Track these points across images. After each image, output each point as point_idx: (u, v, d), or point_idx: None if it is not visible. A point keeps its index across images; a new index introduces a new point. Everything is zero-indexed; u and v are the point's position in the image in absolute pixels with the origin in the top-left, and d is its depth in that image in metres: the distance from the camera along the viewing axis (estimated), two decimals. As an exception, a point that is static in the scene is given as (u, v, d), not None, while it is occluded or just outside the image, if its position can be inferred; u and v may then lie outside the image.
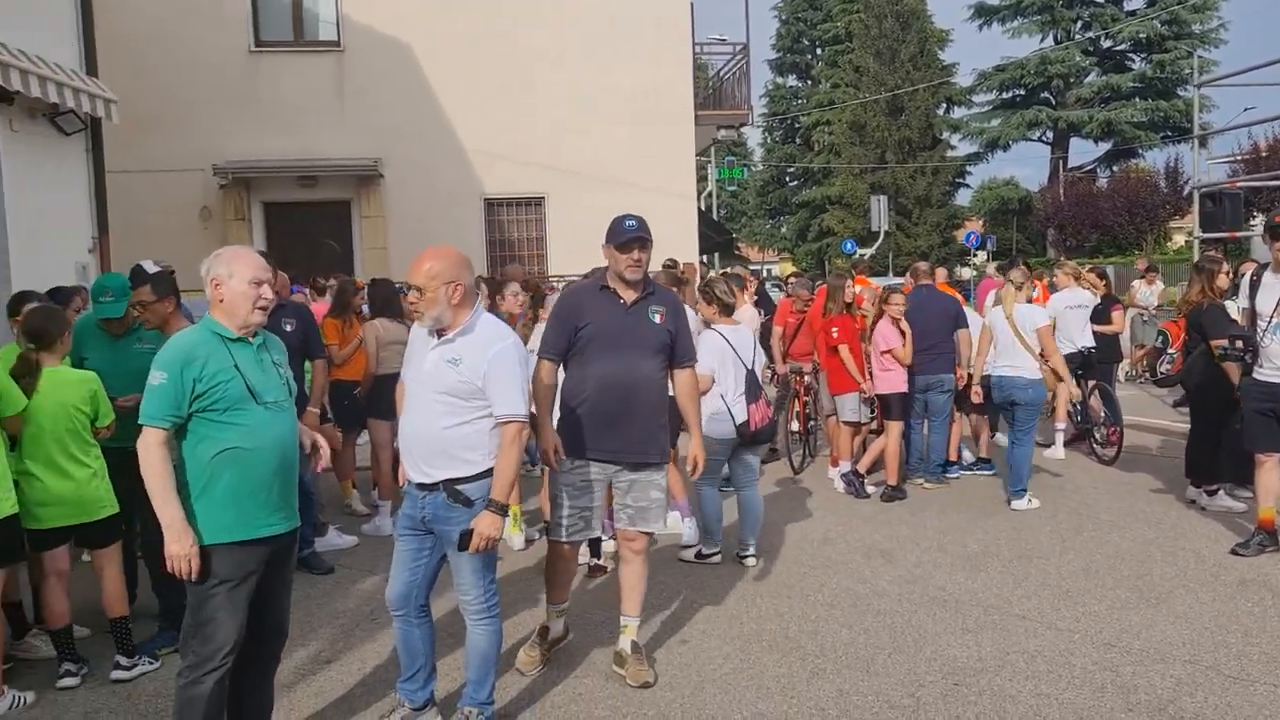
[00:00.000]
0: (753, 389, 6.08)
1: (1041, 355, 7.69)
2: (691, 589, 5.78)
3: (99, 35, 10.72)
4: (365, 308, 8.32)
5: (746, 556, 6.24)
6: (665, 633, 5.12)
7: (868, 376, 7.98)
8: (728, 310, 6.26)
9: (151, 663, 4.76)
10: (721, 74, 19.15)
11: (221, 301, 3.44)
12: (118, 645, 4.70)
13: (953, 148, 44.79)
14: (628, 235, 4.40)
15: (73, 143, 10.44)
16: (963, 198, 47.20)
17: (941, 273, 10.26)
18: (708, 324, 6.26)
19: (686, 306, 5.38)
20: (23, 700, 4.36)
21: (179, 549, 3.27)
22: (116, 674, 4.63)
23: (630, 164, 14.70)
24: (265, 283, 3.49)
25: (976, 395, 7.93)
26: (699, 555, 6.27)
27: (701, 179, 27.56)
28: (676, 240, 14.45)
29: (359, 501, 7.89)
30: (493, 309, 6.26)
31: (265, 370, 3.50)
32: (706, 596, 5.65)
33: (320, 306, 8.92)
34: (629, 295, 4.49)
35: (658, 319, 4.51)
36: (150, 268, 5.87)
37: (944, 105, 44.87)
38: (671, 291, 5.01)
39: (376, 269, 13.34)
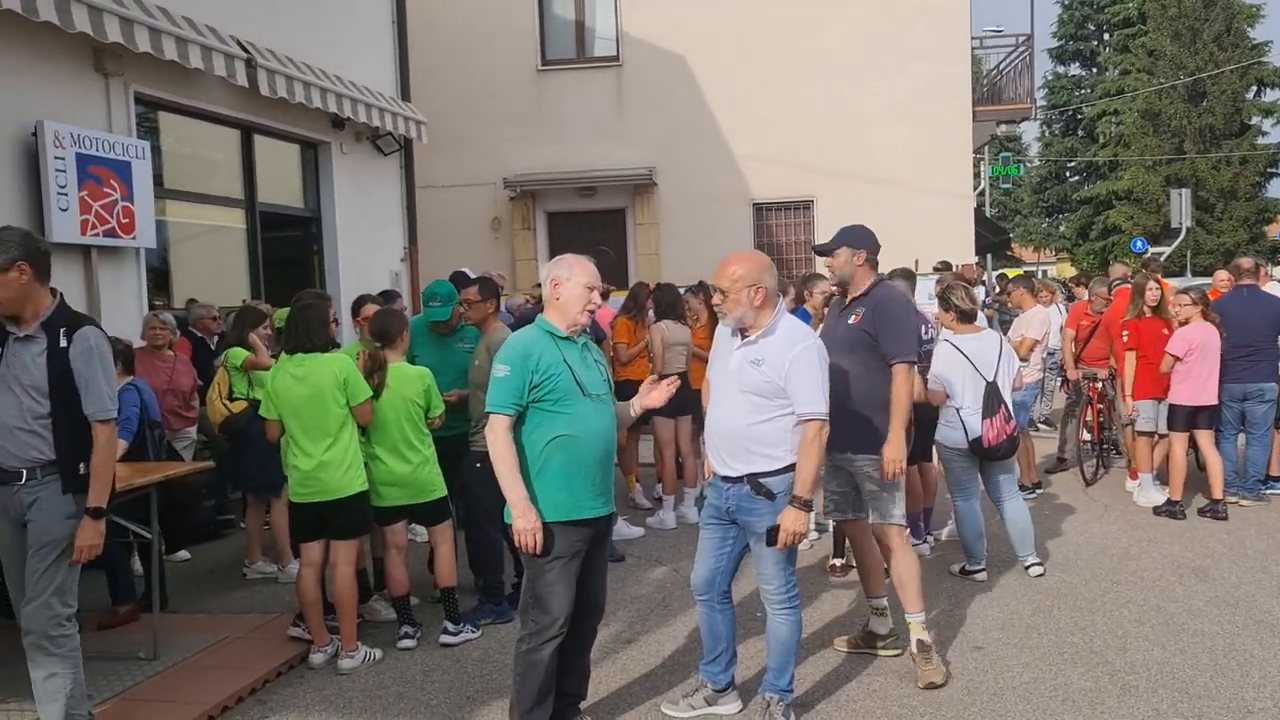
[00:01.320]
0: (991, 403, 5.78)
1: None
2: (981, 597, 5.64)
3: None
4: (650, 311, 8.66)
5: (1031, 566, 5.99)
6: (957, 638, 5.04)
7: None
8: (966, 318, 6.02)
9: (474, 631, 5.24)
10: (1001, 67, 18.35)
11: (558, 300, 3.76)
12: (446, 614, 5.22)
13: (1264, 134, 40.41)
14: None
15: (389, 162, 11.57)
16: (1275, 189, 42.51)
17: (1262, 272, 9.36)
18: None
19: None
20: (373, 656, 4.94)
21: (525, 524, 3.60)
22: (444, 639, 5.14)
23: (903, 164, 14.42)
24: (596, 289, 3.80)
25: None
26: (963, 571, 6.05)
27: (974, 175, 26.50)
28: (952, 241, 14.03)
29: (642, 495, 8.24)
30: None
31: (589, 366, 3.81)
32: (997, 606, 5.49)
33: (605, 311, 9.38)
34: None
35: (852, 319, 4.61)
36: (470, 275, 6.51)
37: (1254, 88, 40.60)
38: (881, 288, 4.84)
39: (648, 273, 13.86)
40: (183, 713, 4.28)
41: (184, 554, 6.99)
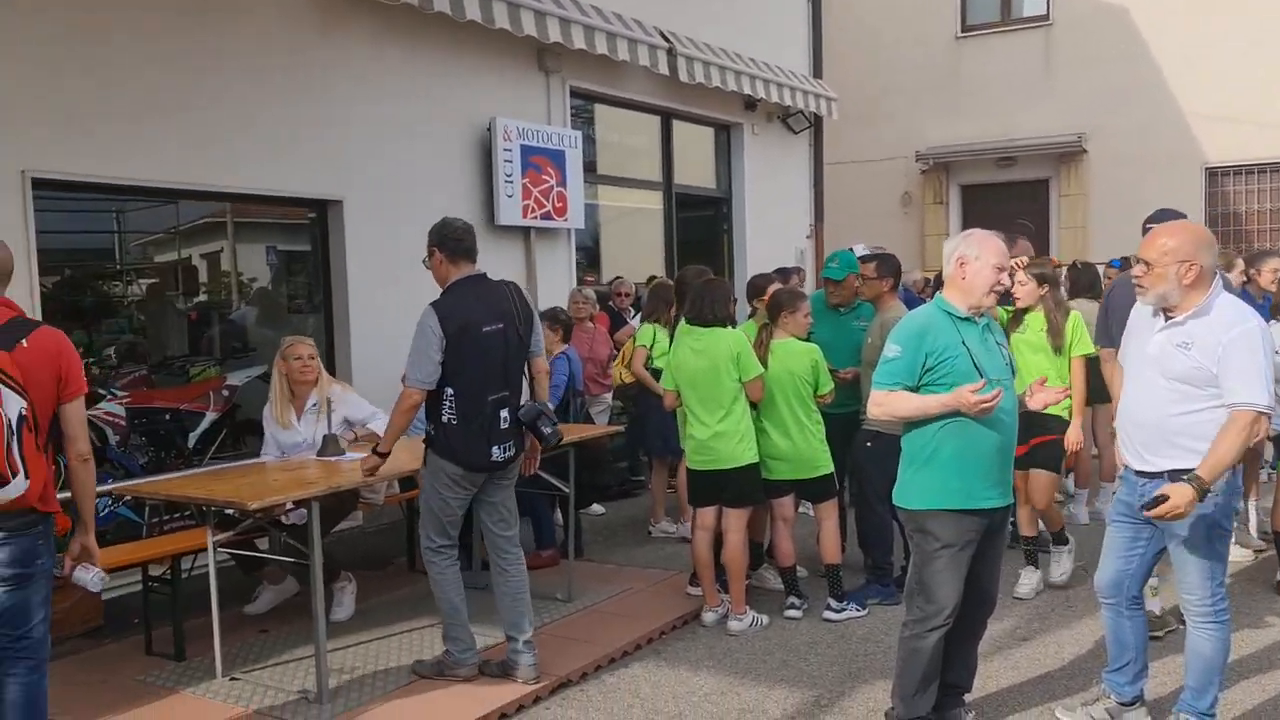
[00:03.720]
0: None
1: None
2: None
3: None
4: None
5: None
6: None
7: None
8: None
9: (859, 610, 5.21)
10: None
11: (963, 279, 3.59)
12: (830, 590, 5.24)
13: None
14: None
15: (799, 140, 11.69)
16: None
17: None
18: None
19: None
20: (760, 621, 5.10)
21: (967, 398, 3.40)
22: (827, 614, 5.16)
23: None
24: (1005, 270, 3.59)
25: None
26: None
27: None
28: None
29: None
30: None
31: (990, 349, 3.60)
32: None
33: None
34: None
35: None
36: (860, 250, 6.47)
37: None
38: None
39: (1072, 248, 12.78)
40: (590, 651, 4.69)
41: (598, 509, 7.63)
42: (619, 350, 7.58)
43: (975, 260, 3.57)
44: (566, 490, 5.47)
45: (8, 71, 5.17)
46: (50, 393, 3.23)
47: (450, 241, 4.27)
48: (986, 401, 3.39)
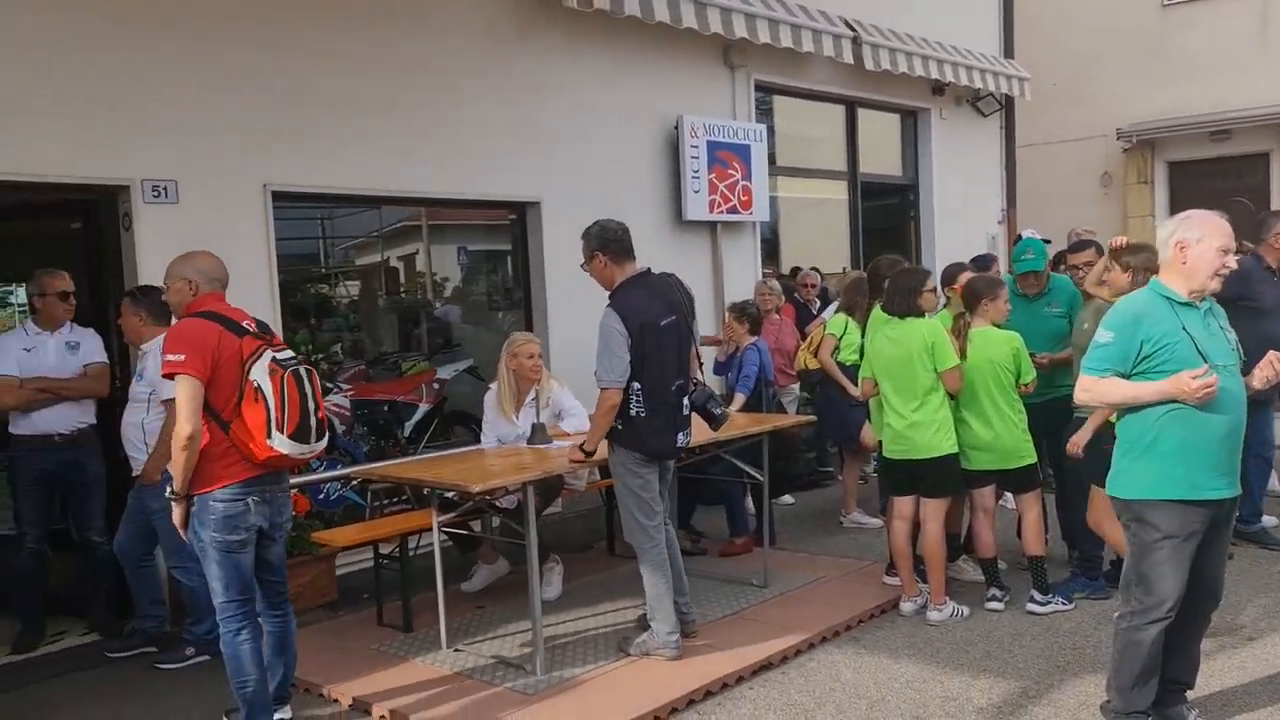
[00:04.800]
0: None
1: None
2: None
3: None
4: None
5: None
6: None
7: None
8: None
9: (1064, 603, 5.07)
10: None
11: (1184, 264, 3.45)
12: (1034, 582, 5.12)
13: None
14: None
15: (989, 123, 11.35)
16: None
17: None
18: None
19: None
20: (961, 612, 5.05)
21: (1189, 384, 3.29)
22: (1031, 607, 5.05)
23: None
24: (1230, 251, 3.44)
25: None
26: None
27: None
28: None
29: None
30: None
31: (1213, 334, 3.46)
32: None
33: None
34: None
35: None
36: (1032, 236, 6.28)
37: None
38: None
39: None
40: (789, 636, 4.78)
41: (788, 499, 7.69)
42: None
43: (1197, 243, 3.43)
44: (761, 478, 5.57)
45: (253, 98, 5.71)
46: None
47: (613, 243, 4.47)
48: (1208, 387, 3.27)
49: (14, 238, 6.56)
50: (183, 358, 3.58)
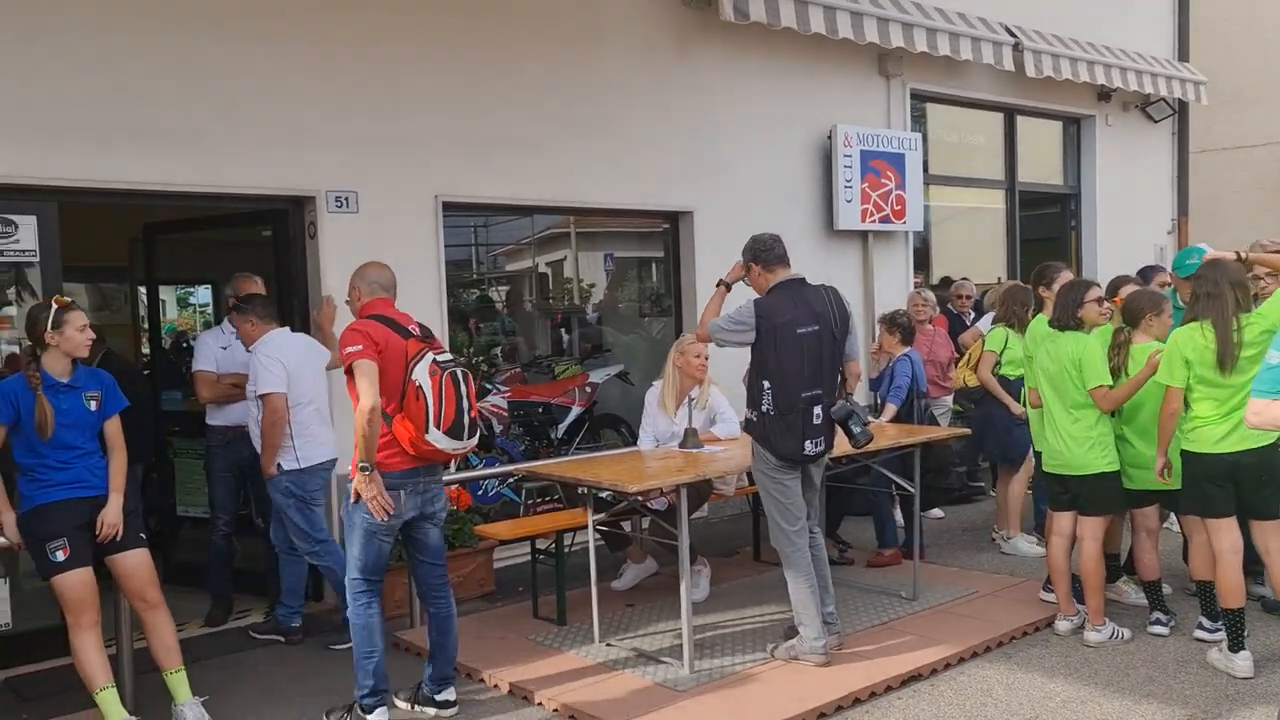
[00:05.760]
0: None
1: None
2: None
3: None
4: None
5: None
6: None
7: None
8: None
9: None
10: None
11: None
12: (1202, 607, 4.91)
13: None
14: None
15: (1159, 129, 10.90)
16: None
17: None
18: None
19: None
20: (1121, 634, 4.89)
21: None
22: (1199, 634, 4.83)
23: None
24: None
25: None
26: None
27: None
28: None
29: None
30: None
31: None
32: None
33: None
34: None
35: None
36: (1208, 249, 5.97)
37: None
38: None
39: None
40: (938, 649, 4.74)
41: (938, 512, 7.57)
42: (961, 353, 7.48)
43: None
44: (912, 490, 5.53)
45: (427, 116, 6.07)
46: None
47: (763, 253, 4.63)
48: None
49: (212, 244, 7.13)
50: (359, 347, 3.94)
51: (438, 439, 3.97)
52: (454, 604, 4.36)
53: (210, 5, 5.34)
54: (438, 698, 4.29)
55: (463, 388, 4.04)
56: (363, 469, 3.92)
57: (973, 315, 8.55)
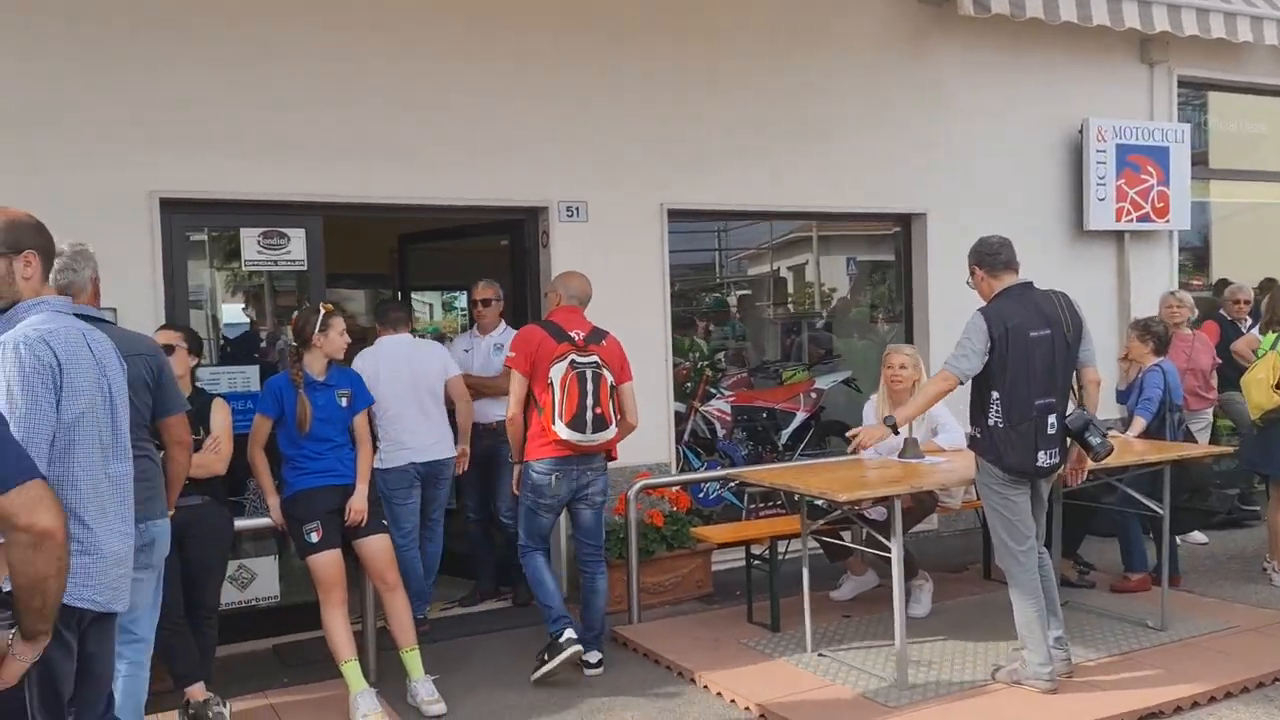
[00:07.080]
0: None
1: None
2: None
3: None
4: None
5: None
6: None
7: None
8: None
9: None
10: None
11: None
12: None
13: None
14: None
15: None
16: None
17: None
18: None
19: None
20: None
21: None
22: None
23: None
24: None
25: None
26: None
27: None
28: None
29: None
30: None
31: None
32: None
33: None
34: None
35: None
36: None
37: None
38: None
39: None
40: (1184, 684, 4.34)
41: (1200, 536, 6.91)
42: (1232, 363, 6.81)
43: None
44: (1160, 511, 5.09)
45: (653, 127, 6.24)
46: (616, 376, 4.75)
47: (988, 258, 4.42)
48: None
49: (460, 253, 7.65)
50: (515, 355, 4.72)
51: (561, 429, 4.57)
52: (603, 576, 4.95)
53: (471, 39, 5.76)
54: (584, 658, 4.74)
55: (589, 385, 4.56)
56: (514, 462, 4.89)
57: (1249, 322, 7.75)
